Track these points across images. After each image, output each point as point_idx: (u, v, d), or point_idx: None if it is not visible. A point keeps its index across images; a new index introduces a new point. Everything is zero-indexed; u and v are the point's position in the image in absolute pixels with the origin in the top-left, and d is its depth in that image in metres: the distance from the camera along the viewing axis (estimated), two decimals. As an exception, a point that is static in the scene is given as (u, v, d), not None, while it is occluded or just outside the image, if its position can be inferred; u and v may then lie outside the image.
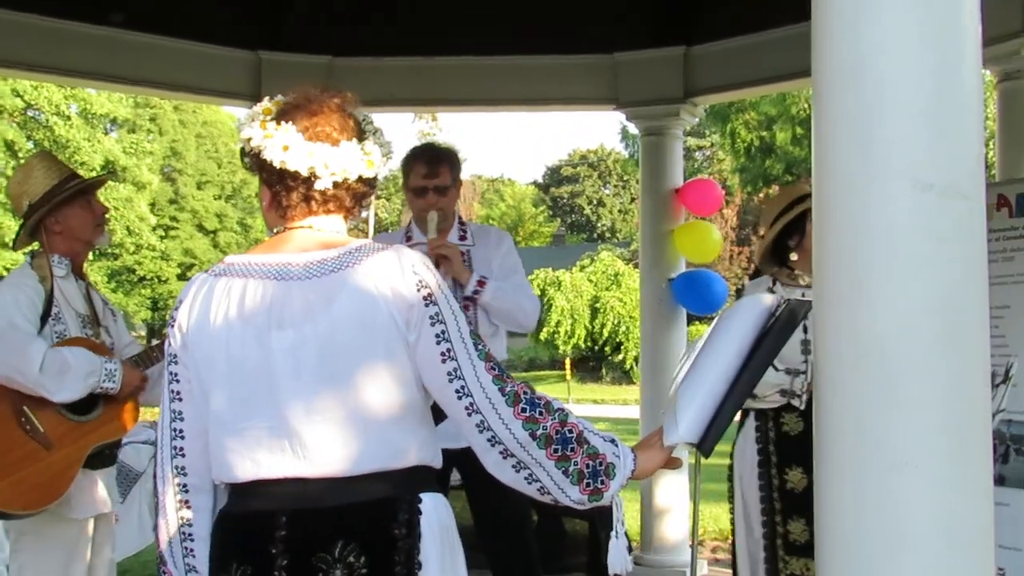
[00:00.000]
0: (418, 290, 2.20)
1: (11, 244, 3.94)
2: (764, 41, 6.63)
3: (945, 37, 1.94)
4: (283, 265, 2.25)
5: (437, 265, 3.92)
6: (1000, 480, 5.04)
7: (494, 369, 2.22)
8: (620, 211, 49.76)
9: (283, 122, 2.28)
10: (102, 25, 6.28)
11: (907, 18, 1.97)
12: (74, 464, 3.55)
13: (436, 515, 2.23)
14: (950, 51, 1.94)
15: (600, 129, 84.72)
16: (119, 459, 4.03)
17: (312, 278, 2.22)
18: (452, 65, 6.92)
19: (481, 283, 4.09)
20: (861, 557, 1.96)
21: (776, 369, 3.68)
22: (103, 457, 3.72)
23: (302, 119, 2.30)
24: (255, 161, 2.32)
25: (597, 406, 25.47)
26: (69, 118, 29.25)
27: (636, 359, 28.73)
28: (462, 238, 4.24)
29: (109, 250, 33.55)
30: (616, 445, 2.26)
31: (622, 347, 31.46)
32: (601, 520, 6.28)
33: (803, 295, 3.87)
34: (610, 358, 32.16)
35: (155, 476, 2.36)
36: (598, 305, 31.74)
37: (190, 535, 2.30)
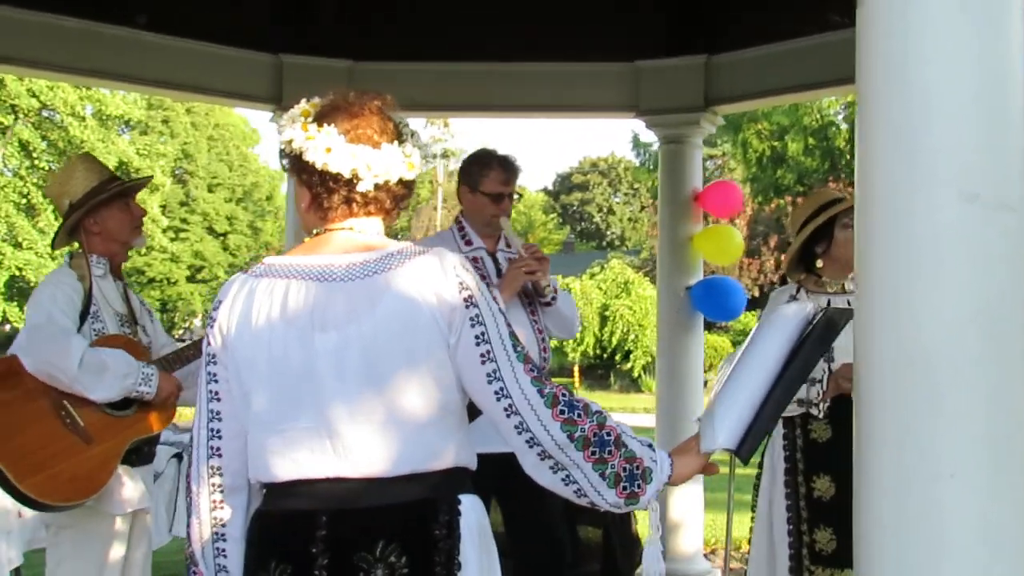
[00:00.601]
0: (459, 292, 2.21)
1: (21, 243, 3.99)
2: (785, 51, 6.63)
3: (993, 47, 1.95)
4: (325, 267, 2.26)
5: (532, 272, 3.99)
6: None
7: (533, 371, 2.23)
8: (630, 219, 49.77)
9: (324, 124, 2.29)
10: (126, 26, 6.31)
11: (954, 28, 1.97)
12: (113, 458, 3.59)
13: (475, 516, 2.24)
14: (998, 62, 1.94)
15: (611, 137, 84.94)
16: None
17: (355, 280, 2.23)
18: (474, 71, 6.94)
19: (555, 290, 4.20)
20: (903, 566, 1.96)
21: None
22: (140, 454, 3.75)
23: (343, 121, 2.31)
24: (295, 163, 2.33)
25: (605, 414, 25.38)
26: (84, 119, 29.36)
27: (644, 367, 28.74)
28: (508, 245, 4.31)
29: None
30: (654, 450, 2.26)
31: (631, 355, 31.43)
32: (615, 527, 6.28)
33: (828, 302, 3.86)
34: (619, 366, 32.13)
35: (189, 476, 2.36)
36: (607, 313, 31.73)
37: (223, 535, 2.31)
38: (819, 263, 4.04)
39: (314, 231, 2.37)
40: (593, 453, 2.19)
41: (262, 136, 48.07)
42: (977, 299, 1.93)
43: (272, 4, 7.00)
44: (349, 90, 2.40)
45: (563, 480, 2.23)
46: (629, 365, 31.57)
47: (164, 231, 36.63)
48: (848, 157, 33.74)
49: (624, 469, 2.21)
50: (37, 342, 3.52)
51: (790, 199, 31.59)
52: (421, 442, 2.18)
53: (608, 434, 2.21)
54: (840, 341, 2.44)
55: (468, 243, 4.23)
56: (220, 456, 2.30)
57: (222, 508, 2.30)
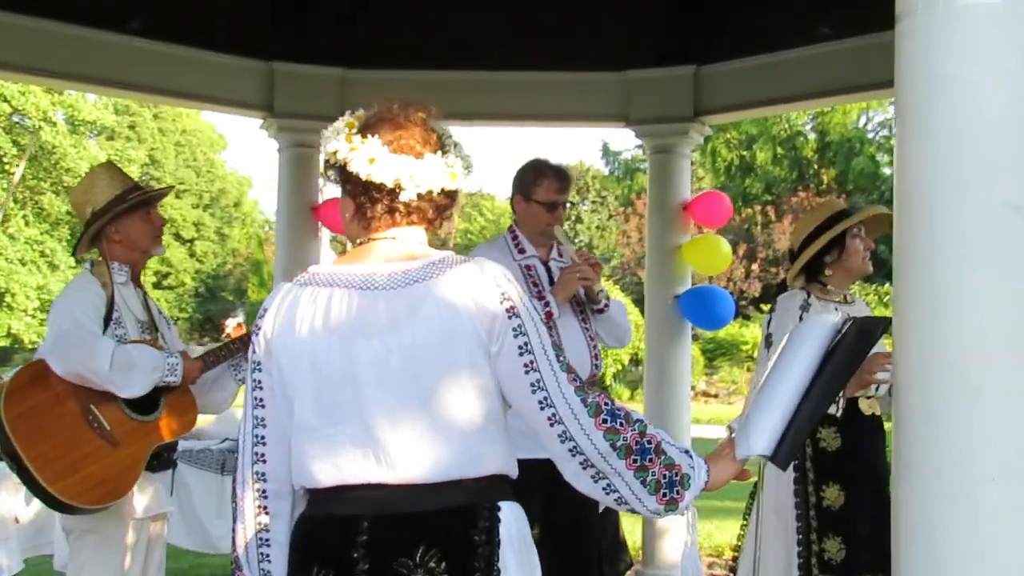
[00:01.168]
0: (501, 302, 2.24)
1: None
2: (774, 62, 6.73)
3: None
4: (368, 276, 2.29)
5: (586, 278, 4.04)
6: None
7: (575, 381, 2.27)
8: (598, 227, 49.89)
9: (368, 135, 2.32)
10: (118, 32, 6.31)
11: (995, 33, 2.03)
12: (139, 462, 3.66)
13: (515, 523, 2.27)
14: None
15: (579, 146, 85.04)
16: None
17: (396, 288, 2.26)
18: (465, 80, 6.97)
19: (607, 298, 4.28)
20: (943, 570, 2.02)
21: None
22: (161, 459, 3.82)
23: (387, 132, 2.34)
24: (340, 174, 2.36)
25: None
26: (55, 124, 29.12)
27: (615, 375, 28.80)
28: (560, 255, 4.38)
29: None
30: (691, 456, 2.30)
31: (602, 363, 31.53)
32: (604, 533, 6.31)
33: (835, 309, 3.93)
34: (590, 374, 32.20)
35: (234, 481, 2.39)
36: (578, 321, 31.79)
37: (267, 540, 2.33)
38: (828, 272, 4.11)
39: (357, 240, 2.41)
40: (635, 461, 2.22)
41: (229, 142, 47.89)
42: (1019, 308, 1.99)
43: (264, 11, 7.01)
44: (394, 101, 2.43)
45: (604, 489, 2.26)
46: (600, 373, 31.65)
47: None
48: (816, 166, 34.07)
49: (664, 476, 2.25)
50: (67, 346, 3.58)
51: (759, 208, 31.88)
52: (462, 449, 2.21)
53: (649, 442, 2.24)
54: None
55: (521, 251, 4.29)
56: (265, 462, 2.32)
57: (266, 513, 2.33)
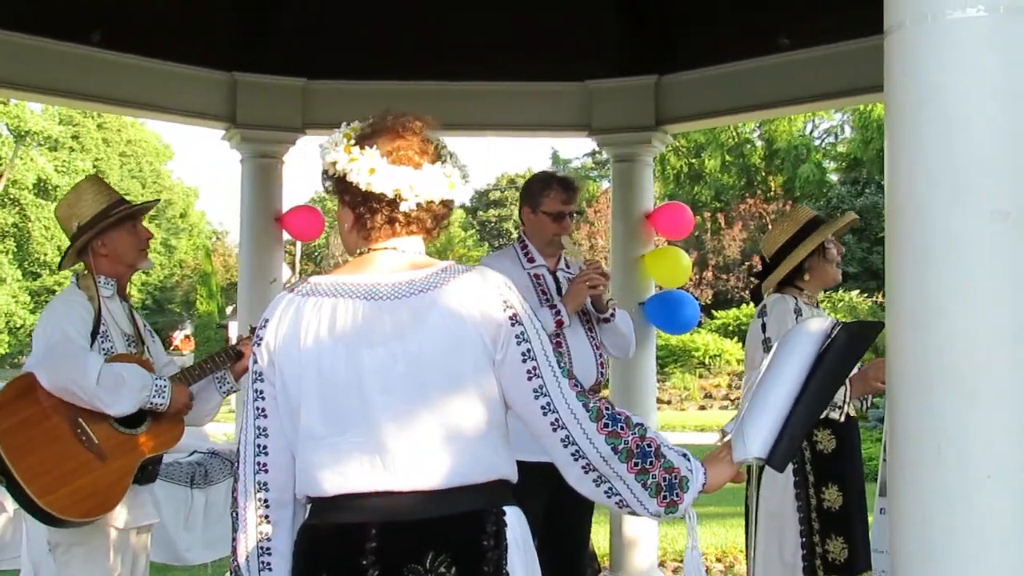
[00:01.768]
0: (504, 310, 2.27)
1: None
2: (734, 72, 6.83)
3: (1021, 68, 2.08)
4: (372, 285, 2.31)
5: (596, 287, 4.10)
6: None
7: (577, 386, 2.31)
8: (548, 236, 50.20)
9: (367, 146, 2.35)
10: (80, 44, 6.27)
11: (982, 45, 2.10)
12: (127, 475, 3.65)
13: (519, 527, 2.31)
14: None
15: (528, 154, 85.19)
16: None
17: (401, 298, 2.29)
18: (426, 90, 6.99)
19: (615, 308, 4.37)
20: (940, 567, 2.09)
21: None
22: (147, 472, 3.82)
23: (385, 143, 2.36)
24: (339, 185, 2.38)
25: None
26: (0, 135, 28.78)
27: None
28: (567, 266, 4.46)
29: (31, 270, 32.96)
30: (689, 460, 2.35)
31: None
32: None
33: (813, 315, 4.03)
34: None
35: (235, 491, 2.39)
36: (529, 329, 31.87)
37: (268, 550, 2.34)
38: (806, 277, 4.23)
39: (357, 251, 2.42)
40: (636, 464, 2.27)
41: (175, 152, 47.42)
42: (1010, 313, 2.06)
43: (226, 22, 6.99)
44: (389, 112, 2.45)
45: (606, 492, 2.30)
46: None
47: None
48: (764, 174, 34.47)
49: (664, 479, 2.29)
50: (55, 360, 3.58)
51: (708, 215, 32.17)
52: (468, 455, 2.24)
53: (649, 446, 2.29)
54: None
55: (531, 260, 4.38)
56: (267, 471, 2.33)
57: (268, 522, 2.34)
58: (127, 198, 4.09)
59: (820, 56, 6.31)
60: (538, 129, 7.65)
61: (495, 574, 2.22)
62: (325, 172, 2.41)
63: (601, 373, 4.31)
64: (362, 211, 2.37)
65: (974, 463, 2.07)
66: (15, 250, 31.28)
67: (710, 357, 25.96)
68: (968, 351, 2.08)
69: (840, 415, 3.79)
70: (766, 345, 4.04)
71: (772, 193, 33.29)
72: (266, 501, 2.33)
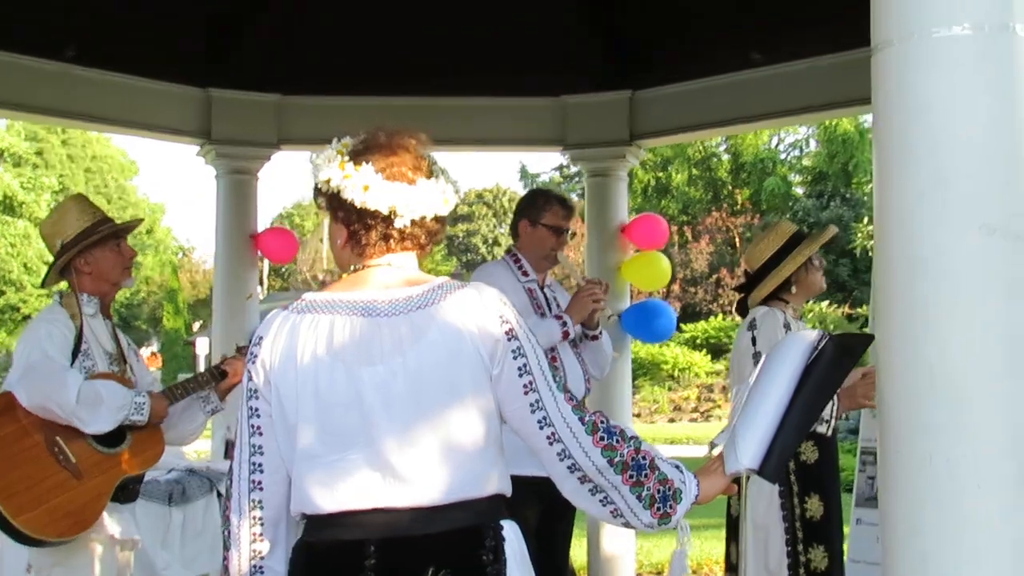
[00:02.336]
0: (500, 325, 2.29)
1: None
2: (707, 87, 6.88)
3: (1011, 78, 2.13)
4: (369, 302, 2.32)
5: (598, 301, 4.17)
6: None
7: (572, 400, 2.33)
8: (516, 250, 50.32)
9: (361, 163, 2.36)
10: (53, 59, 6.24)
11: (968, 63, 2.15)
12: (104, 494, 3.63)
13: (516, 541, 2.32)
14: (1018, 92, 2.12)
15: (496, 168, 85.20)
16: None
17: (399, 314, 2.30)
18: (401, 105, 6.99)
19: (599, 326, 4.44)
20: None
21: None
22: (127, 491, 3.79)
23: (379, 159, 2.37)
24: (332, 201, 2.39)
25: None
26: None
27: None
28: (548, 286, 4.52)
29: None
30: (682, 472, 2.38)
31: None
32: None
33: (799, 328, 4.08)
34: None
35: (227, 509, 2.39)
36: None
37: (261, 568, 2.33)
38: (793, 290, 4.30)
39: (352, 267, 2.43)
40: (631, 476, 2.30)
41: (140, 168, 47.15)
42: (1000, 325, 2.10)
43: (200, 38, 6.98)
44: (381, 129, 2.46)
45: (601, 501, 2.33)
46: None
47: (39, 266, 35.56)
48: (730, 187, 34.70)
49: (658, 491, 2.32)
50: (35, 379, 3.56)
51: (675, 228, 32.34)
52: (468, 470, 2.25)
53: (644, 458, 2.32)
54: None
55: (525, 273, 4.43)
56: (261, 490, 2.33)
57: (262, 541, 2.33)
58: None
59: (793, 71, 6.39)
60: (513, 144, 7.72)
61: None
62: (318, 188, 2.42)
63: (588, 388, 4.35)
64: (356, 228, 2.38)
65: (965, 473, 2.10)
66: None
67: (679, 370, 26.06)
68: (958, 363, 2.12)
69: (827, 429, 3.84)
70: (757, 359, 4.08)
71: (739, 206, 33.52)
72: (260, 519, 2.33)
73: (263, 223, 7.58)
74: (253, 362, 2.35)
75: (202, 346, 28.92)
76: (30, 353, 3.59)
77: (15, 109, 6.69)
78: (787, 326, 4.10)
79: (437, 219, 2.43)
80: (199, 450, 11.32)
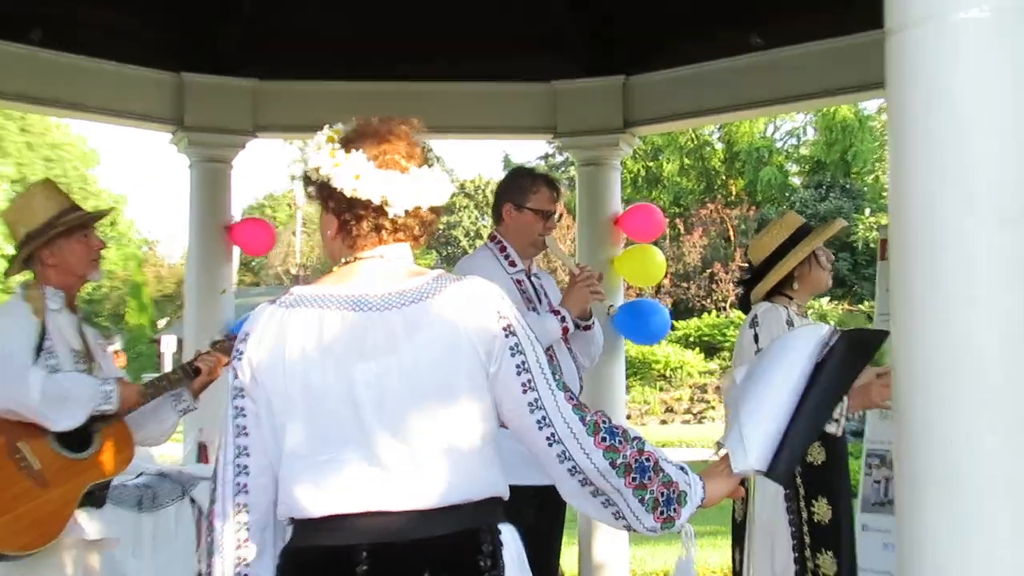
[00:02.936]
0: (498, 321, 2.30)
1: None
2: (703, 72, 6.91)
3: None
4: (360, 296, 2.32)
5: (596, 292, 4.13)
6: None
7: (572, 399, 2.34)
8: (499, 243, 50.25)
9: (352, 150, 2.36)
10: (19, 43, 6.20)
11: (986, 46, 2.16)
12: (70, 503, 3.57)
13: (515, 545, 2.33)
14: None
15: (478, 158, 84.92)
16: None
17: (392, 308, 2.30)
18: (385, 91, 7.00)
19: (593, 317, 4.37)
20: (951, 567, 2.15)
21: None
22: (93, 497, 3.72)
23: (371, 147, 2.37)
24: (322, 190, 2.39)
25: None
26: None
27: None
28: (536, 272, 4.44)
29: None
30: (687, 473, 2.40)
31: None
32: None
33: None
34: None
35: (211, 513, 2.39)
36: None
37: (247, 575, 2.35)
38: (796, 286, 4.29)
39: (342, 259, 2.43)
40: (634, 479, 2.31)
41: (101, 157, 46.95)
42: (1015, 319, 2.12)
43: (174, 21, 6.95)
44: (374, 115, 2.47)
45: (602, 504, 2.35)
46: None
47: (-3, 259, 35.37)
48: (724, 177, 34.77)
49: (662, 494, 2.34)
50: None
51: (667, 221, 32.42)
52: (465, 471, 2.26)
53: (647, 460, 2.33)
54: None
55: (512, 264, 4.33)
56: (247, 493, 2.33)
57: (248, 547, 2.33)
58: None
59: (795, 56, 6.41)
60: (501, 132, 7.71)
61: None
62: (307, 177, 2.42)
63: (581, 386, 4.32)
64: (347, 218, 2.38)
65: (989, 473, 2.12)
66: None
67: (671, 370, 26.07)
68: (981, 359, 2.13)
69: (837, 429, 3.85)
70: None
71: (733, 198, 33.58)
72: (247, 524, 2.33)
73: (234, 214, 7.55)
74: (239, 359, 2.35)
75: (168, 344, 28.82)
76: None
77: (-21, 95, 6.65)
78: (790, 323, 4.10)
79: (432, 209, 2.44)
80: (164, 454, 11.27)
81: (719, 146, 34.64)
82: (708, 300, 30.37)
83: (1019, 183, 2.13)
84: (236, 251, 7.55)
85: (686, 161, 33.97)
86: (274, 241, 7.51)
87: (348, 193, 2.33)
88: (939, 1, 2.21)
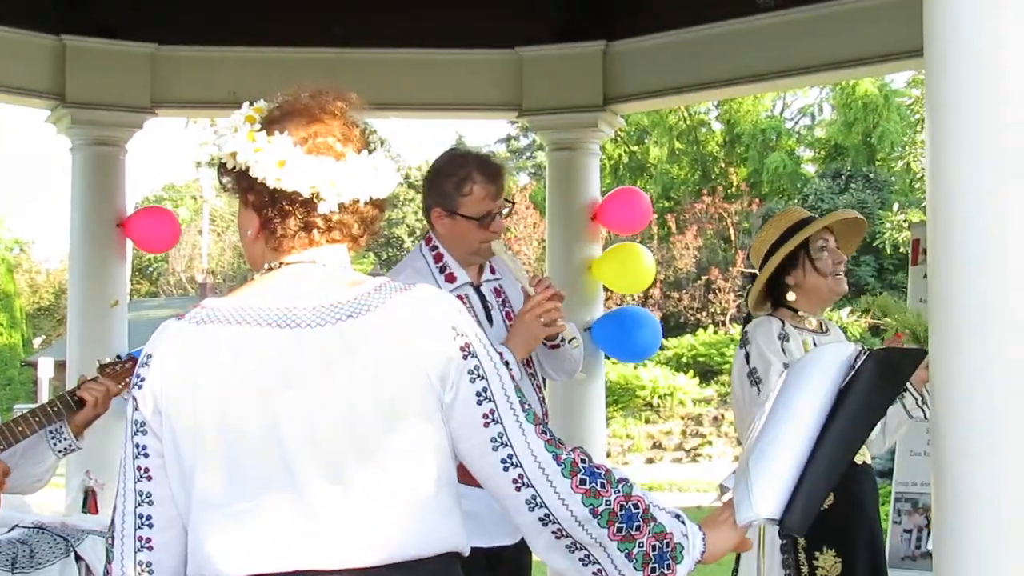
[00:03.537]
0: (454, 339, 2.29)
1: None
2: (699, 38, 6.93)
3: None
4: (287, 309, 2.31)
5: (552, 321, 3.83)
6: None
7: (545, 433, 2.33)
8: (451, 243, 50.18)
9: (275, 132, 2.35)
10: None
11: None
12: None
13: (476, 615, 2.33)
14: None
15: (426, 140, 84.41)
16: None
17: (325, 325, 2.29)
18: (312, 58, 7.00)
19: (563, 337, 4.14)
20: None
21: None
22: None
23: (299, 128, 2.35)
24: (240, 181, 2.38)
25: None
26: None
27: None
28: (492, 270, 4.21)
29: None
30: (684, 523, 2.39)
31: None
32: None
33: (814, 343, 4.09)
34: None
35: (108, 573, 2.37)
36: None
37: None
38: (791, 296, 4.21)
39: (265, 265, 2.42)
40: (619, 530, 2.31)
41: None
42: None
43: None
44: (303, 89, 2.46)
45: (581, 561, 2.33)
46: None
47: None
48: (723, 164, 34.92)
49: (653, 547, 2.33)
50: None
51: (655, 217, 32.51)
52: (413, 522, 2.25)
53: (636, 506, 2.33)
54: None
55: (451, 278, 4.10)
56: (151, 549, 2.31)
57: None
58: None
59: (811, 18, 6.43)
60: (456, 109, 7.69)
61: None
62: (222, 165, 2.41)
63: (545, 413, 4.19)
64: (271, 214, 2.36)
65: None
66: None
67: (659, 397, 26.07)
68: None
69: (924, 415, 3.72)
70: (752, 378, 4.05)
71: (734, 189, 33.70)
72: None
73: (128, 208, 7.51)
74: (140, 387, 2.32)
75: (45, 367, 28.58)
76: None
77: None
78: (784, 337, 4.05)
79: (374, 203, 2.42)
80: (43, 503, 11.18)
81: (717, 127, 34.74)
82: (704, 313, 30.45)
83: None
84: (130, 255, 7.52)
85: (678, 145, 34.00)
86: (178, 234, 7.47)
87: (271, 184, 2.32)
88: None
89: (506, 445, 2.30)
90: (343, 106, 2.45)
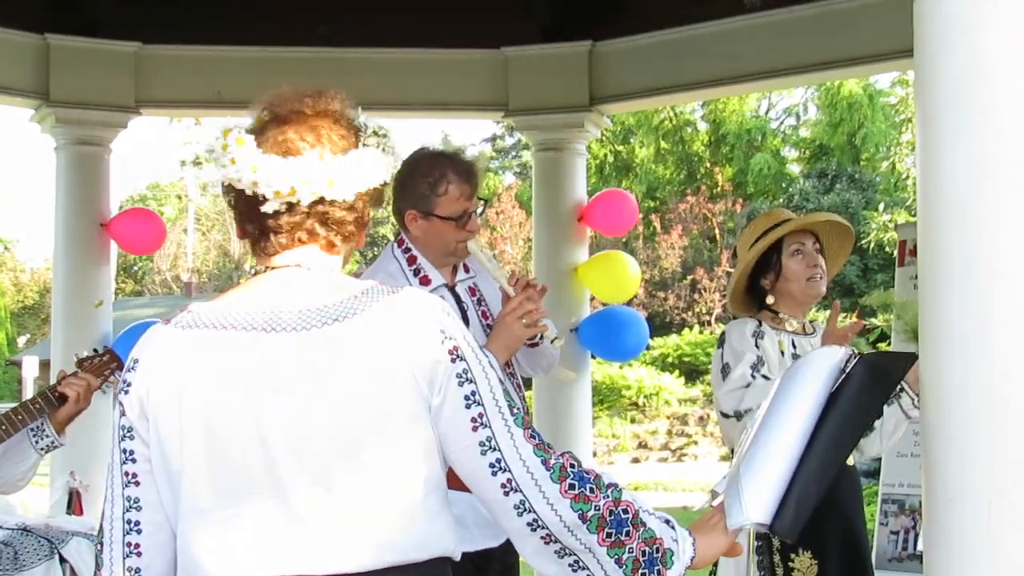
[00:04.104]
0: (442, 342, 2.28)
1: None
2: (685, 38, 6.95)
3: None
4: (273, 314, 2.29)
5: (533, 322, 3.73)
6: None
7: (534, 437, 2.32)
8: (436, 243, 50.19)
9: (254, 135, 2.33)
10: None
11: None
12: None
13: (466, 620, 2.32)
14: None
15: (410, 139, 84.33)
16: None
17: (311, 329, 2.27)
18: (297, 58, 6.98)
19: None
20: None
21: None
22: None
23: (279, 130, 2.34)
24: (227, 192, 2.37)
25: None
26: None
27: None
28: (465, 268, 4.14)
29: None
30: (673, 528, 2.39)
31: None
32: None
33: (793, 343, 4.08)
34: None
35: None
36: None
37: None
38: (770, 298, 4.19)
39: (252, 269, 2.41)
40: (608, 536, 2.30)
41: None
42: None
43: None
44: (285, 89, 2.43)
45: (571, 566, 2.33)
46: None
47: None
48: (708, 164, 34.96)
49: (643, 552, 2.33)
50: None
51: (640, 217, 32.54)
52: (402, 527, 2.24)
53: (625, 511, 2.32)
54: None
55: (425, 281, 4.03)
56: (140, 555, 2.30)
57: None
58: None
59: (798, 18, 6.44)
60: (441, 109, 7.67)
61: None
62: (226, 186, 2.39)
63: (527, 412, 4.19)
64: (254, 218, 2.35)
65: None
66: None
67: (645, 397, 26.10)
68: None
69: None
70: (724, 373, 4.02)
71: (719, 189, 33.74)
72: None
73: (112, 208, 7.49)
74: (126, 392, 2.31)
75: (30, 367, 28.52)
76: None
77: None
78: (758, 335, 4.03)
79: (364, 202, 2.41)
80: (26, 503, 11.15)
81: (702, 127, 34.78)
82: (689, 313, 30.48)
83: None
84: (114, 254, 7.50)
85: (663, 145, 34.04)
86: (163, 236, 7.45)
87: (248, 190, 2.30)
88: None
89: (495, 449, 2.29)
90: (329, 105, 2.43)
